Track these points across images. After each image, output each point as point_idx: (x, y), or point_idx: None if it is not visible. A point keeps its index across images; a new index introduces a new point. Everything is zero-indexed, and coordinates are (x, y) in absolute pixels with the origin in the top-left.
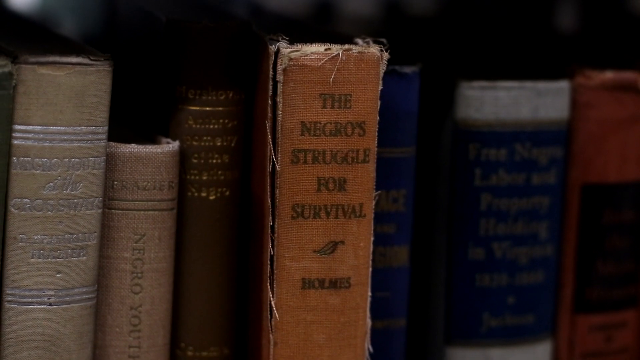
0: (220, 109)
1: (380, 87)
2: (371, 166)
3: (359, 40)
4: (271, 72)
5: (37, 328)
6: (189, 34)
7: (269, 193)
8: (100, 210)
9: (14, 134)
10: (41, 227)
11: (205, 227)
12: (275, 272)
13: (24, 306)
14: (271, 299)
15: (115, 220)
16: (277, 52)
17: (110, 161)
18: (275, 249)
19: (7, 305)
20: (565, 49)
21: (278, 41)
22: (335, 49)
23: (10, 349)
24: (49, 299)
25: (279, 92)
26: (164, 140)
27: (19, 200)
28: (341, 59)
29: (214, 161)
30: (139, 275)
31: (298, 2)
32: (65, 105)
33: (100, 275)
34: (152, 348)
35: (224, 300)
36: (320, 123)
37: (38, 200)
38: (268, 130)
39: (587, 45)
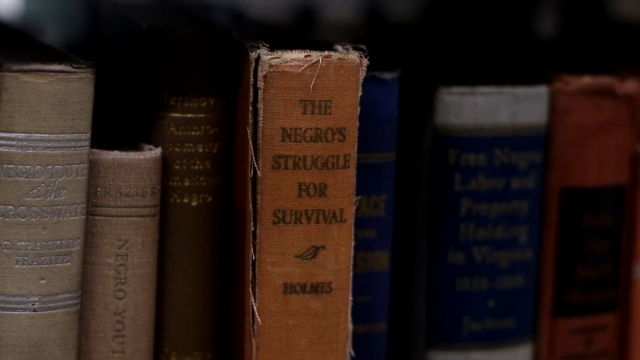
0: (202, 115)
1: (360, 93)
2: (351, 171)
3: (339, 47)
4: (252, 79)
5: (22, 334)
6: (170, 41)
7: (250, 199)
8: (83, 217)
9: None
10: (25, 233)
11: (187, 233)
12: (257, 277)
13: (9, 312)
14: (253, 303)
15: (98, 227)
16: (258, 58)
17: (93, 168)
18: (257, 254)
19: None
20: (546, 54)
21: (259, 48)
22: (315, 55)
23: None
24: (33, 304)
25: (259, 98)
26: (147, 147)
27: (3, 207)
28: (321, 65)
29: (196, 167)
30: (123, 281)
31: (280, 9)
32: (48, 112)
33: (84, 281)
34: (136, 353)
35: (207, 305)
36: (300, 129)
37: (22, 207)
38: (249, 137)
39: (567, 50)
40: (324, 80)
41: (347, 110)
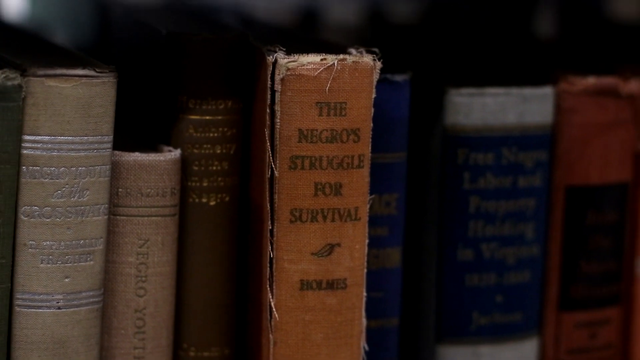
0: (220, 117)
1: (374, 95)
2: (366, 171)
3: (353, 50)
4: (269, 82)
5: (47, 331)
6: (189, 45)
7: (267, 198)
8: (106, 217)
9: (23, 144)
10: (50, 233)
11: (206, 231)
12: (274, 274)
13: (34, 310)
14: (271, 300)
15: (120, 226)
16: (275, 62)
17: (115, 169)
18: (275, 252)
19: (17, 309)
20: (545, 55)
21: (275, 52)
22: (331, 59)
23: (21, 352)
24: (57, 302)
25: (277, 100)
26: (166, 148)
27: (29, 207)
28: (336, 68)
29: (214, 168)
30: (143, 279)
31: (284, 12)
32: (72, 116)
33: (106, 280)
34: (156, 349)
35: (225, 302)
36: (316, 130)
37: (47, 208)
38: (267, 138)
39: (566, 50)
40: (339, 83)
41: (361, 111)
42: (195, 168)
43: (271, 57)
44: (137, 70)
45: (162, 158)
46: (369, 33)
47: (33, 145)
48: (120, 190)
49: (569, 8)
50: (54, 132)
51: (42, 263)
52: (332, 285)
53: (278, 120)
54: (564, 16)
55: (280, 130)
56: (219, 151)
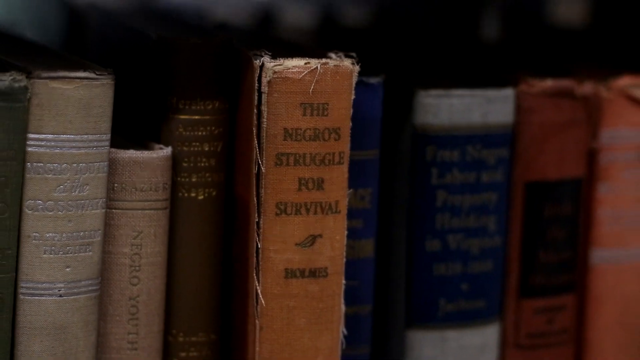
0: (208, 117)
1: (353, 97)
2: (345, 167)
3: (332, 55)
4: (256, 84)
5: (49, 317)
6: (178, 49)
7: (254, 192)
8: (104, 210)
9: (28, 142)
10: (52, 225)
11: (194, 224)
12: (260, 263)
13: (37, 297)
14: (257, 287)
15: (115, 219)
16: (262, 66)
17: (112, 165)
18: (261, 242)
19: (21, 297)
20: (489, 58)
21: (262, 56)
22: (314, 62)
23: (25, 337)
24: (59, 290)
25: (263, 101)
26: (157, 146)
27: (33, 201)
28: (319, 71)
29: (202, 164)
30: (137, 268)
31: (241, 12)
32: (74, 115)
33: (103, 269)
34: (148, 334)
35: (211, 290)
36: (301, 129)
37: (50, 202)
38: (254, 136)
39: (509, 53)
40: (321, 85)
41: (342, 112)
42: (185, 164)
43: (258, 60)
44: (121, 72)
45: (154, 155)
46: (321, 35)
47: (37, 143)
48: (116, 185)
49: (512, 14)
50: (57, 130)
51: (44, 253)
52: (314, 273)
53: (264, 120)
54: (507, 21)
55: (267, 129)
56: (206, 149)
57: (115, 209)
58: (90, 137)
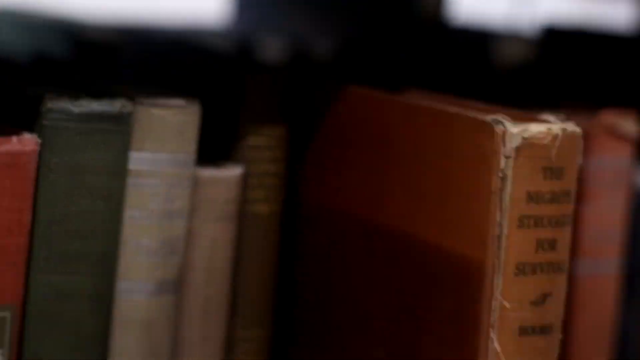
0: (273, 142)
1: (580, 161)
2: (571, 228)
3: (550, 117)
4: (502, 148)
5: (140, 314)
6: (248, 82)
7: (494, 253)
8: (187, 221)
9: (130, 160)
10: (147, 233)
11: (259, 235)
12: (496, 321)
13: (131, 297)
14: (496, 346)
15: (195, 229)
16: (505, 131)
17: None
18: (499, 301)
19: (118, 295)
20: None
21: (501, 121)
22: (555, 128)
23: (119, 331)
24: (150, 290)
25: (508, 166)
26: (230, 165)
27: (132, 212)
28: (560, 136)
29: (268, 183)
30: (211, 272)
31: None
32: (170, 138)
33: (183, 272)
34: (218, 329)
35: (267, 292)
36: (541, 192)
37: (146, 212)
38: (497, 199)
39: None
40: (560, 149)
41: (573, 175)
42: (253, 182)
43: (500, 126)
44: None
45: (230, 173)
46: (291, 70)
47: (138, 161)
48: (196, 198)
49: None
50: (155, 150)
51: (140, 257)
52: (543, 330)
53: (509, 183)
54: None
55: (511, 193)
56: (272, 170)
57: (195, 218)
58: (182, 156)
